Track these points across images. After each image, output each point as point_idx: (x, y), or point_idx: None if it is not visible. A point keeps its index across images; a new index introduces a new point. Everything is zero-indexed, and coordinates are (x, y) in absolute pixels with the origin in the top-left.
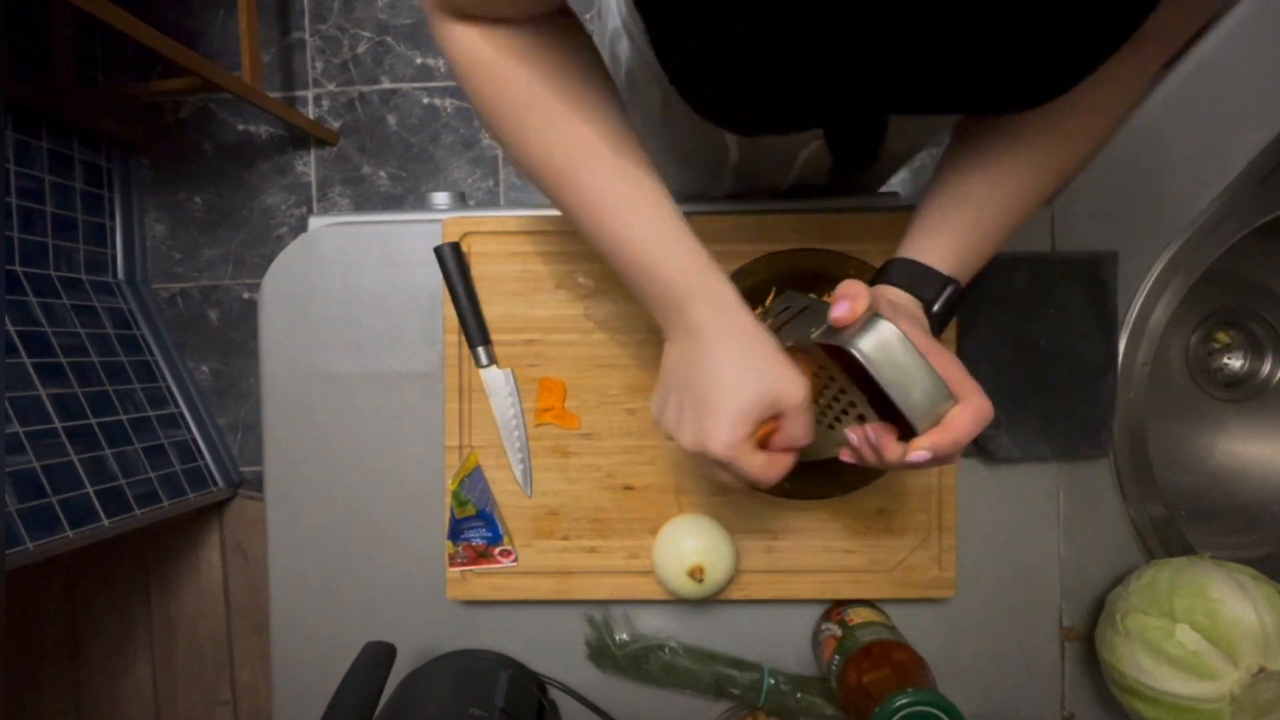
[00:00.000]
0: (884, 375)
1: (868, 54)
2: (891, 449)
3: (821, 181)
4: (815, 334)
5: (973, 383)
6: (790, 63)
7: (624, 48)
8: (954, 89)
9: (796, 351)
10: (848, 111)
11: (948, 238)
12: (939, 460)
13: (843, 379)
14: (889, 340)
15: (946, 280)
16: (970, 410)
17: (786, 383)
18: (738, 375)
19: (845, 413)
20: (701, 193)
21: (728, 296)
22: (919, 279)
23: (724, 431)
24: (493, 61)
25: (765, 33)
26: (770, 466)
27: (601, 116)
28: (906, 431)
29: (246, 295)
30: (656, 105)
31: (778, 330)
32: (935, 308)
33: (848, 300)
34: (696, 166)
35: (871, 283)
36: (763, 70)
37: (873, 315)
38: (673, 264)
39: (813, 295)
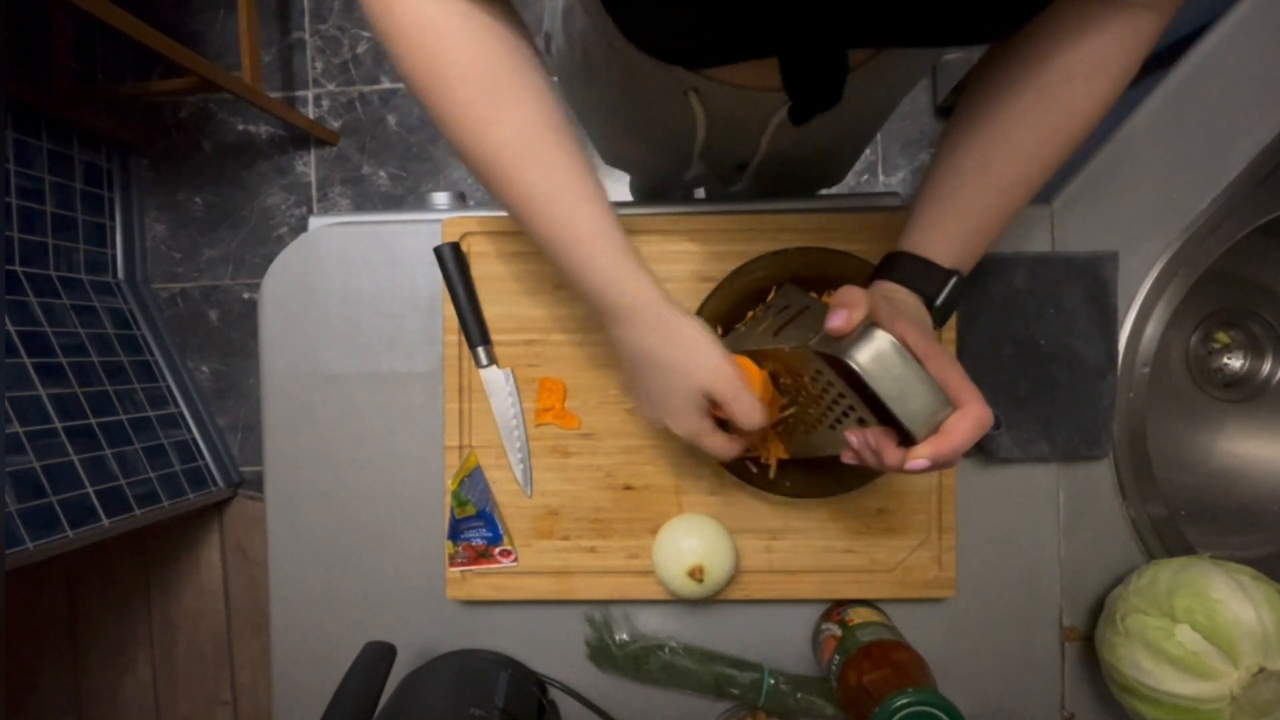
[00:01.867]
0: (881, 386)
1: None
2: (891, 455)
3: (792, 158)
4: (813, 341)
5: (972, 388)
6: None
7: (579, 23)
8: (911, 12)
9: (795, 353)
10: (800, 34)
11: (947, 228)
12: (938, 467)
13: (841, 384)
14: (885, 351)
15: (948, 273)
16: (969, 418)
17: (713, 377)
18: (674, 379)
19: (846, 414)
20: (669, 178)
21: (652, 299)
22: (920, 274)
23: (683, 424)
24: (441, 31)
25: None
26: (730, 446)
27: (542, 105)
28: (906, 436)
29: (246, 295)
30: (617, 81)
31: (777, 331)
32: (938, 302)
33: (844, 310)
34: (663, 147)
35: (871, 277)
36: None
37: (869, 325)
38: (605, 271)
39: (813, 295)
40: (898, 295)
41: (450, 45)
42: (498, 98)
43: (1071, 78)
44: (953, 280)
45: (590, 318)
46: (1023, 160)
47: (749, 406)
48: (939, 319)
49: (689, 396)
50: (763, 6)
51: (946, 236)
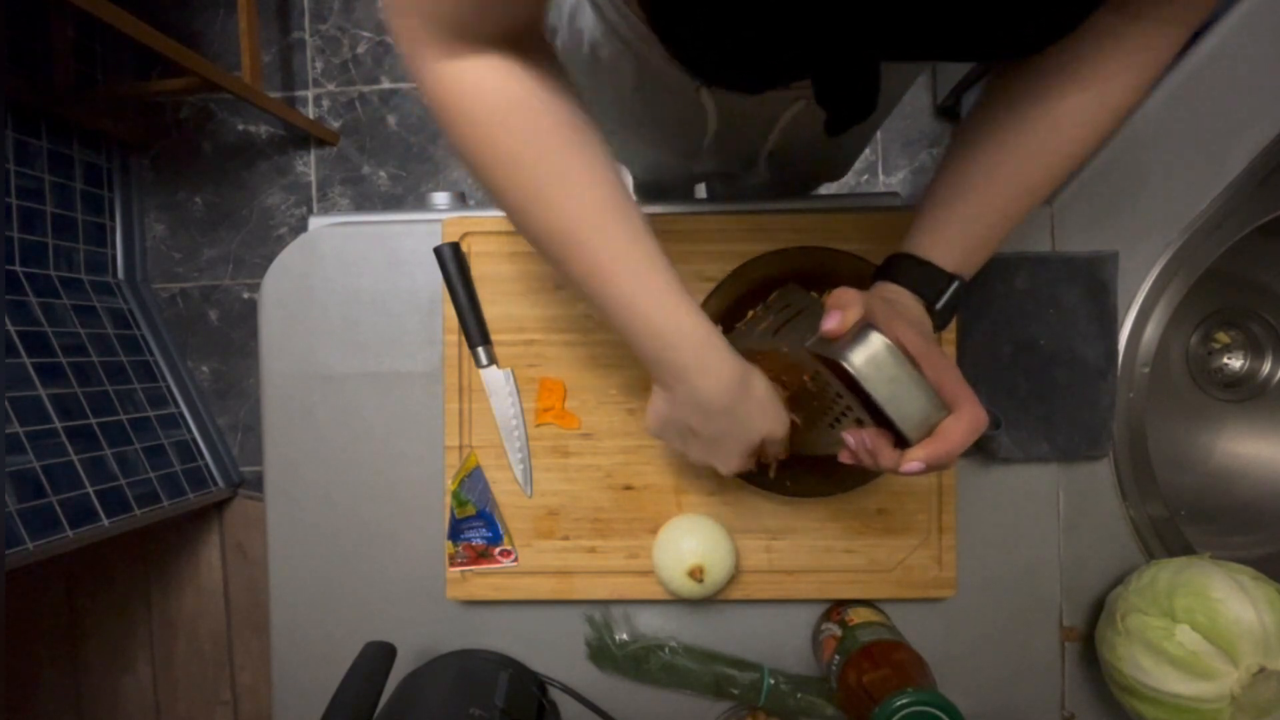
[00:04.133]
0: (875, 389)
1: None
2: (886, 456)
3: (800, 150)
4: (809, 342)
5: (968, 391)
6: (777, 8)
7: (587, 20)
8: (947, 29)
9: (792, 353)
10: (837, 58)
11: (950, 233)
12: (934, 469)
13: (838, 384)
14: (879, 353)
15: (950, 277)
16: (964, 421)
17: (770, 426)
18: (743, 429)
19: (844, 415)
20: (675, 172)
21: (727, 358)
22: (921, 277)
23: (732, 465)
24: (489, 110)
25: None
26: (746, 467)
27: (606, 173)
28: (901, 438)
29: (246, 295)
30: (628, 80)
31: (775, 330)
32: (938, 305)
33: (838, 312)
34: (672, 144)
35: (873, 278)
36: (751, 18)
37: (865, 326)
38: (673, 329)
39: (813, 294)
40: (898, 297)
41: (505, 123)
42: (559, 179)
43: (1086, 89)
44: (954, 285)
45: (596, 312)
46: (1031, 169)
47: (781, 450)
48: (939, 322)
49: (750, 443)
50: (808, 35)
51: (950, 241)
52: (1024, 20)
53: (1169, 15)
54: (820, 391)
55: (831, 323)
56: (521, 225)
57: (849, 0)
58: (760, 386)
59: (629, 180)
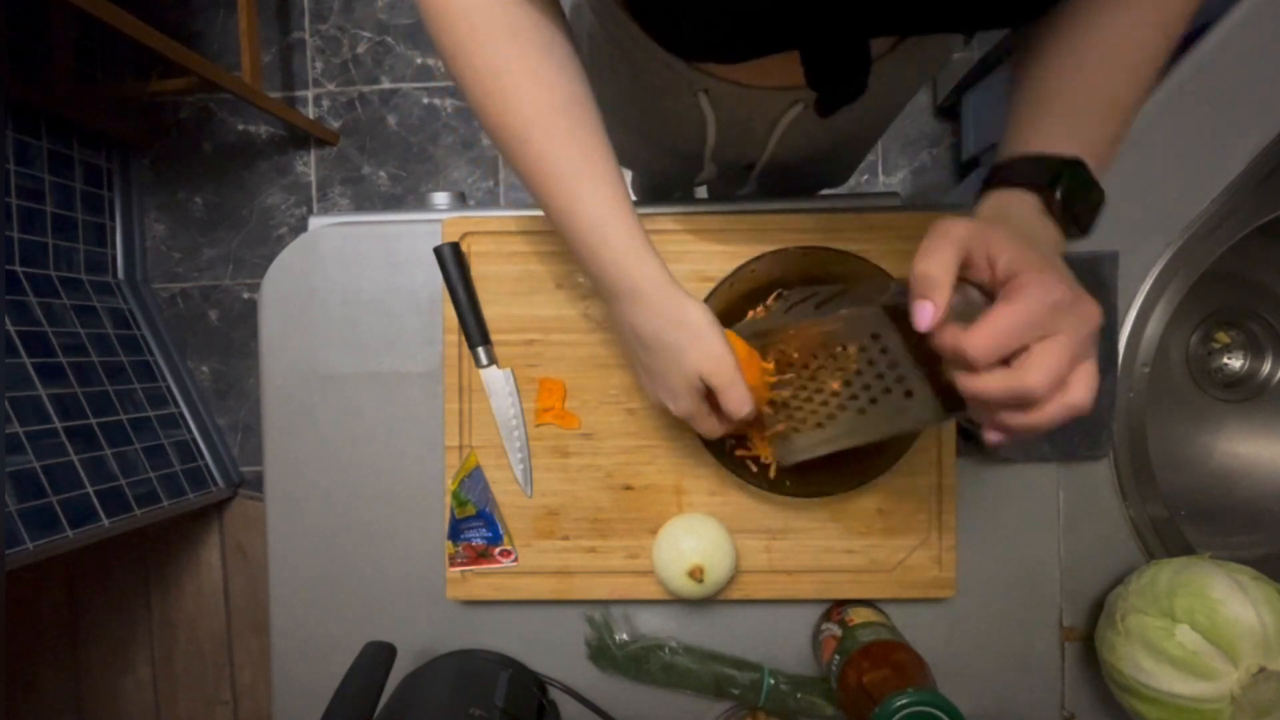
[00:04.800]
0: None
1: None
2: (964, 340)
3: (801, 157)
4: (883, 297)
5: (1048, 277)
6: None
7: (586, 22)
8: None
9: (840, 323)
10: (822, 28)
11: (1051, 117)
12: (992, 349)
13: (900, 347)
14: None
15: (1061, 160)
16: (1032, 287)
17: (705, 360)
18: (674, 361)
19: (889, 390)
20: (678, 179)
21: (660, 282)
22: (1029, 168)
23: (680, 405)
24: (467, 5)
25: None
26: (717, 427)
27: (565, 76)
28: (953, 401)
29: (246, 295)
30: (625, 82)
31: (817, 307)
32: (1058, 194)
33: (927, 304)
34: (673, 149)
35: (980, 191)
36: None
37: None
38: (615, 250)
39: (818, 288)
40: (1008, 203)
41: (487, 11)
42: (529, 68)
43: None
44: (1069, 167)
45: (596, 312)
46: (1118, 45)
47: (739, 397)
48: (1073, 219)
49: (686, 380)
50: (790, 5)
51: (1049, 127)
52: None
53: None
54: (863, 368)
55: (924, 319)
56: (479, 118)
57: None
58: (697, 317)
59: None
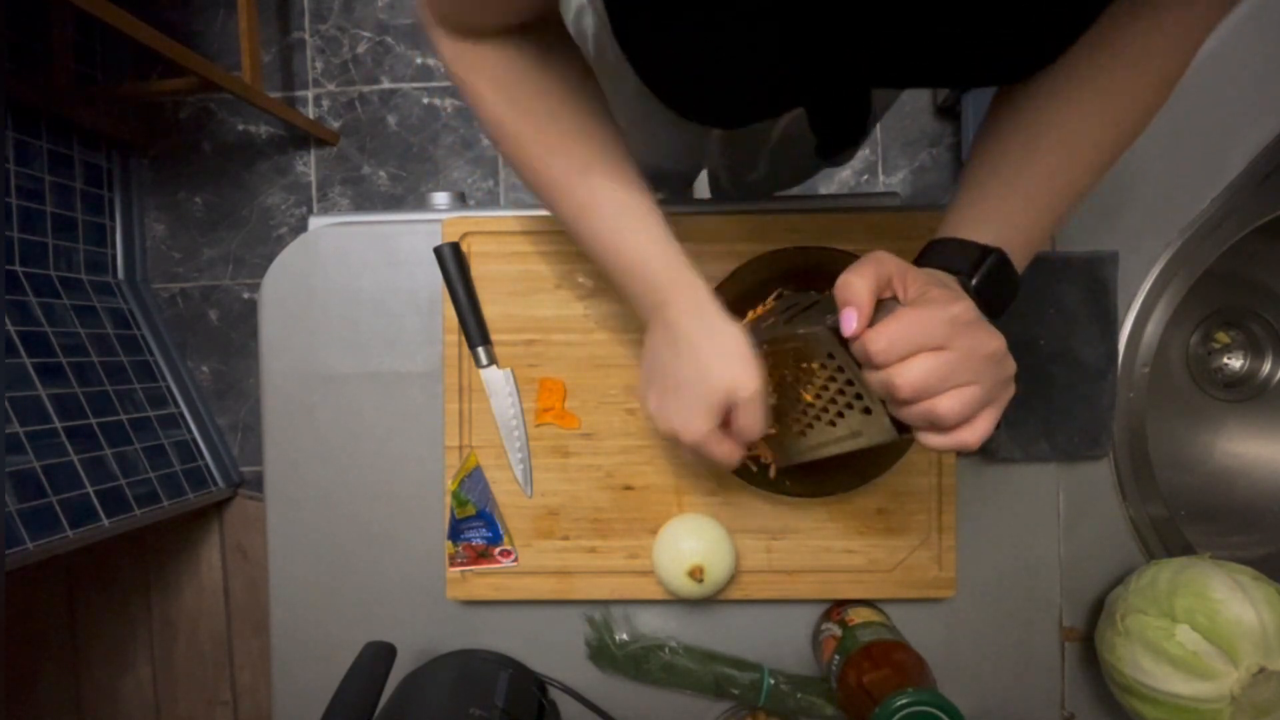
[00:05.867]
0: None
1: (838, 34)
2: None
3: (803, 141)
4: (830, 320)
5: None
6: (756, 50)
7: (589, 23)
8: (933, 59)
9: (809, 336)
10: (825, 92)
11: (986, 207)
12: (885, 352)
13: (852, 366)
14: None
15: (984, 249)
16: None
17: (737, 378)
18: (705, 373)
19: (851, 404)
20: (680, 176)
21: (702, 297)
22: (954, 252)
23: (694, 424)
24: (494, 79)
25: (729, 19)
26: (735, 453)
27: (598, 129)
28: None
29: (246, 295)
30: (630, 83)
31: (788, 322)
32: (974, 281)
33: (852, 310)
34: (676, 143)
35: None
36: (729, 60)
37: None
38: (656, 266)
39: (812, 292)
40: (936, 274)
41: (503, 92)
42: (571, 128)
43: (1119, 58)
44: (991, 257)
45: (596, 312)
46: (1070, 140)
47: (756, 420)
48: (985, 304)
49: (710, 395)
50: (793, 71)
51: (984, 216)
52: (1010, 51)
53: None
54: (829, 380)
55: (850, 326)
56: (519, 175)
57: (836, 37)
58: (730, 334)
59: None
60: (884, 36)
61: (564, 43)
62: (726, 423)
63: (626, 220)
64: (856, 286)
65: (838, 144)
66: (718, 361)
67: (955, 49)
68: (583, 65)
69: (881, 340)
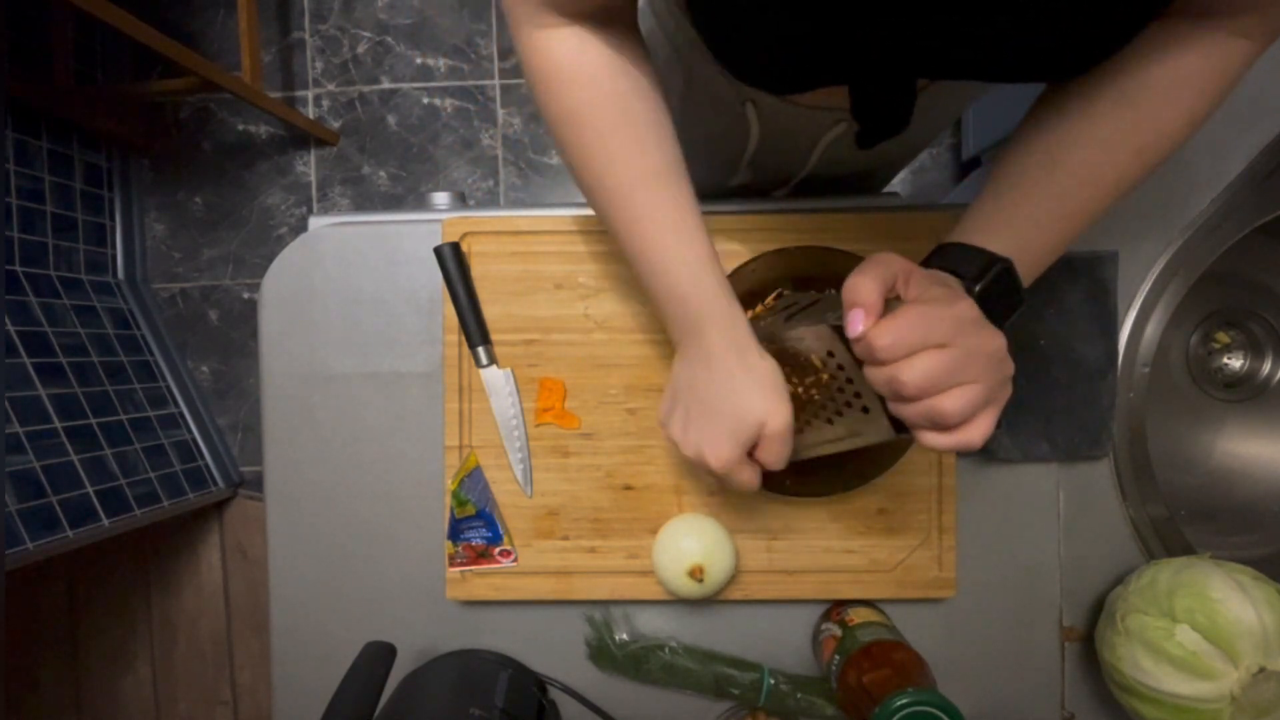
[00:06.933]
0: None
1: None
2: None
3: (837, 173)
4: (830, 317)
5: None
6: (818, 11)
7: (645, 25)
8: (983, 48)
9: (800, 339)
10: (873, 67)
11: (999, 218)
12: (888, 348)
13: (852, 364)
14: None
15: (992, 258)
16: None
17: (770, 412)
18: (737, 404)
19: (849, 405)
20: (713, 187)
21: (741, 330)
22: (961, 257)
23: (723, 452)
24: (572, 76)
25: None
26: (752, 481)
27: (662, 143)
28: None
29: (246, 295)
30: (676, 88)
31: (787, 321)
32: (977, 287)
33: (859, 311)
34: (712, 158)
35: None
36: (790, 19)
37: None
38: (700, 294)
39: (812, 292)
40: (941, 275)
41: (573, 88)
42: (635, 137)
43: (1150, 88)
44: (996, 266)
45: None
46: (1093, 162)
47: (783, 453)
48: (988, 311)
49: (741, 426)
50: (844, 40)
51: (997, 226)
52: (1065, 46)
53: (1240, 29)
54: (829, 379)
55: (857, 327)
56: (577, 178)
57: (890, 14)
58: (766, 369)
59: None
60: (930, 21)
61: (639, 51)
62: (749, 450)
63: (676, 242)
64: (866, 288)
65: (878, 133)
66: (752, 394)
67: (1001, 40)
68: (655, 78)
69: (887, 336)
